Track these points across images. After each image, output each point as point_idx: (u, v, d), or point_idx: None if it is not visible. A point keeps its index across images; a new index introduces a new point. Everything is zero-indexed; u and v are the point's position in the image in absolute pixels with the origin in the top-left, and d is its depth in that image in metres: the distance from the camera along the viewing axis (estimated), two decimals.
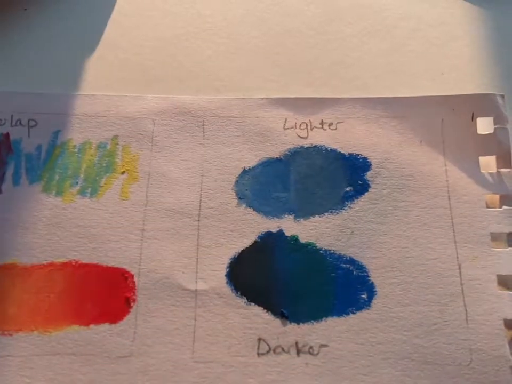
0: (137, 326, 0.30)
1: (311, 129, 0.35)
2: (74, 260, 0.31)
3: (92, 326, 0.30)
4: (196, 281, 0.31)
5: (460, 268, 0.31)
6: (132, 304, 0.30)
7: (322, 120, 0.35)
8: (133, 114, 0.36)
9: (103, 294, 0.31)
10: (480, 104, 0.35)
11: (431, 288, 0.31)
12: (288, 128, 0.35)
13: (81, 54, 0.38)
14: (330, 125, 0.35)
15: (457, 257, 0.31)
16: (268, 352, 0.29)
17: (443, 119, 0.35)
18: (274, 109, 0.36)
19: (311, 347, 0.29)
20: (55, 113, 0.35)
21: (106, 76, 0.37)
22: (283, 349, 0.29)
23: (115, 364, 0.29)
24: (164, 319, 0.30)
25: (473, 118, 0.35)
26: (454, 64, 0.38)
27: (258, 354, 0.29)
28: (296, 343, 0.29)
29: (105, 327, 0.30)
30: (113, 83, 0.37)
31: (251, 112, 0.36)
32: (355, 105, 0.36)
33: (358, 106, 0.36)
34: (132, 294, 0.31)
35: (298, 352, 0.29)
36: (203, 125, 0.35)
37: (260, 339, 0.30)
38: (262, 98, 0.36)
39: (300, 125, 0.35)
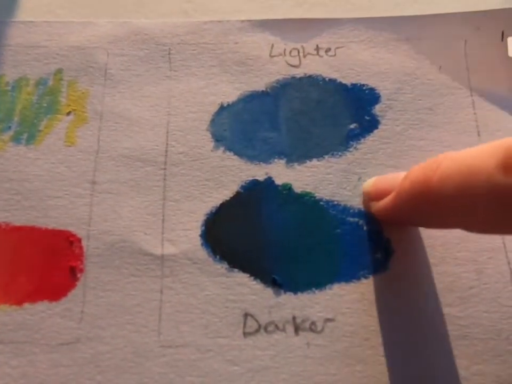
0: (85, 304, 0.23)
1: (304, 56, 0.28)
2: (4, 222, 0.25)
3: (25, 305, 0.23)
4: (162, 244, 0.24)
5: None
6: (78, 275, 0.23)
7: (317, 46, 0.29)
8: (81, 43, 0.29)
9: (41, 264, 0.24)
10: (511, 20, 0.28)
11: (463, 243, 0.24)
12: (275, 56, 0.28)
13: None
14: (327, 50, 0.28)
15: None
16: (257, 330, 0.23)
17: (466, 40, 0.29)
18: (257, 33, 0.29)
19: (313, 322, 0.23)
20: None
21: None
22: (277, 326, 0.23)
23: (56, 353, 0.22)
24: (121, 293, 0.23)
25: (503, 38, 0.28)
26: None
27: (244, 334, 0.22)
28: (294, 318, 0.23)
29: (43, 306, 0.23)
30: (56, 8, 0.30)
31: (229, 38, 0.29)
32: (357, 26, 0.29)
33: (361, 28, 0.29)
34: (78, 262, 0.24)
35: (297, 329, 0.23)
36: (169, 54, 0.28)
37: (246, 314, 0.23)
38: (243, 21, 0.29)
39: (290, 51, 0.28)
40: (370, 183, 0.24)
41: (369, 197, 0.24)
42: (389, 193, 0.22)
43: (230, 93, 0.27)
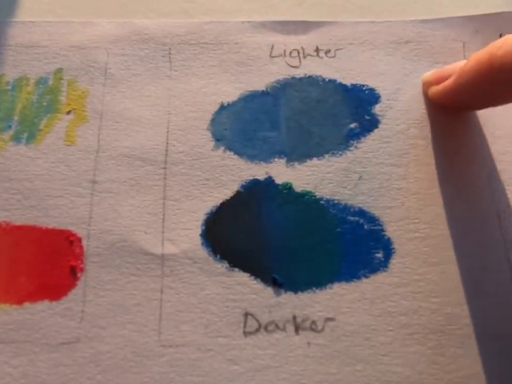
0: (85, 303, 0.23)
1: (304, 57, 0.28)
2: (4, 221, 0.24)
3: (26, 304, 0.23)
4: (163, 244, 0.24)
5: (499, 218, 0.24)
6: (78, 275, 0.23)
7: (317, 47, 0.29)
8: (82, 43, 0.28)
9: (42, 263, 0.24)
10: (509, 23, 0.29)
11: (463, 242, 0.24)
12: (275, 56, 0.28)
13: None
14: (327, 52, 0.29)
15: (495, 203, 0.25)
16: (257, 330, 0.23)
17: (465, 42, 0.29)
18: (258, 33, 0.29)
19: (313, 322, 0.23)
20: None
21: None
22: (277, 326, 0.23)
23: (56, 352, 0.22)
24: (121, 292, 0.23)
25: None
26: None
27: (245, 333, 0.22)
28: (294, 318, 0.23)
29: (43, 305, 0.23)
30: (56, 8, 0.30)
31: (229, 38, 0.29)
32: (357, 29, 0.29)
33: (361, 31, 0.29)
34: (78, 262, 0.24)
35: (297, 328, 0.22)
36: (169, 54, 0.28)
37: (246, 314, 0.23)
38: (243, 22, 0.29)
39: (290, 52, 0.29)
40: (430, 73, 0.26)
41: (429, 84, 0.25)
42: (448, 78, 0.23)
43: (231, 92, 0.27)
